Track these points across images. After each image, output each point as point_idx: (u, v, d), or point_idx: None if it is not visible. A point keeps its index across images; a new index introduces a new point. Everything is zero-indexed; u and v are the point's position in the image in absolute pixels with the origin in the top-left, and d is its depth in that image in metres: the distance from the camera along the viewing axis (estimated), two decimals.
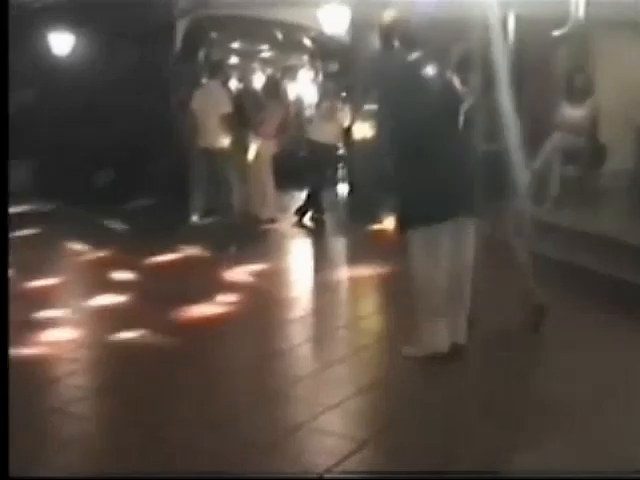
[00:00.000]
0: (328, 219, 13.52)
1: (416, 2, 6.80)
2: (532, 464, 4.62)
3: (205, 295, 8.41)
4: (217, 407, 5.52)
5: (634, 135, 12.35)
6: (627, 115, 11.93)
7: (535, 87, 10.95)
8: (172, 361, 6.48)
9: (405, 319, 6.76)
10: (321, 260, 11.52)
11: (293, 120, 16.22)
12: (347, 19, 14.30)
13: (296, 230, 13.10)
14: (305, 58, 21.38)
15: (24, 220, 12.66)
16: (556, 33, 12.71)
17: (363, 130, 13.78)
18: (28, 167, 14.64)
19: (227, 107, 13.06)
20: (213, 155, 13.04)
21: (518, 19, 12.39)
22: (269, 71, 21.27)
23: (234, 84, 17.93)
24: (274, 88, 14.76)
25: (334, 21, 14.46)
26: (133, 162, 15.01)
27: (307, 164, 13.97)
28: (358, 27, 13.59)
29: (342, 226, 13.51)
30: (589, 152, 11.32)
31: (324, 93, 14.62)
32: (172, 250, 10.75)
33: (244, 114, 13.47)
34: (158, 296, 8.35)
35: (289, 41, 19.30)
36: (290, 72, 22.03)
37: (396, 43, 6.44)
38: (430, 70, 6.32)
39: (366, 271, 9.65)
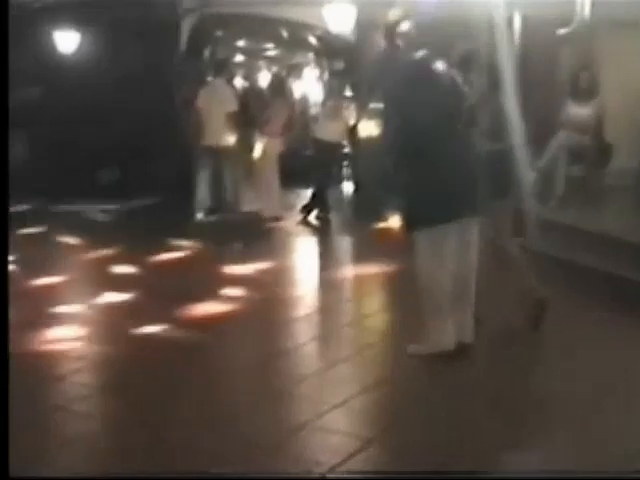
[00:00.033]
0: (333, 217, 13.52)
1: (421, 1, 6.80)
2: (533, 464, 4.63)
3: (210, 293, 8.42)
4: (221, 406, 5.52)
5: (639, 134, 12.32)
6: (632, 114, 11.92)
7: (540, 86, 10.95)
8: (177, 359, 6.48)
9: (410, 317, 6.76)
10: (326, 258, 11.53)
11: (298, 118, 16.21)
12: (352, 18, 14.30)
13: (301, 228, 13.10)
14: (310, 56, 21.40)
15: (28, 218, 12.69)
16: (561, 32, 12.69)
17: (368, 128, 13.78)
18: (32, 165, 14.63)
19: (233, 105, 13.08)
20: (218, 153, 13.07)
21: (524, 18, 12.39)
22: (274, 69, 21.32)
23: (239, 82, 17.97)
24: (279, 86, 14.78)
25: (339, 19, 14.45)
26: (138, 160, 15.02)
27: (312, 162, 13.97)
28: (363, 26, 13.59)
29: (347, 224, 13.52)
30: (595, 151, 11.31)
31: (329, 91, 14.64)
32: (177, 248, 10.77)
33: (249, 112, 13.48)
34: (163, 294, 8.35)
35: (294, 39, 19.31)
36: (295, 70, 22.05)
37: (401, 42, 6.44)
38: (435, 69, 6.33)
39: (371, 269, 9.66)
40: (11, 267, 9.17)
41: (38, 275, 9.11)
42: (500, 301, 7.30)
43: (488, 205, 6.54)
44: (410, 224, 6.41)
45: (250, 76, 21.26)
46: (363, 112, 13.76)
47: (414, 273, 6.39)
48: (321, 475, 4.46)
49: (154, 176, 14.81)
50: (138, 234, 11.79)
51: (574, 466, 4.50)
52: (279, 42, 20.82)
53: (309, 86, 21.36)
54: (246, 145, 13.49)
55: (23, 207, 13.54)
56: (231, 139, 13.09)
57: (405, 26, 6.45)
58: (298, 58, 22.32)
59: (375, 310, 8.64)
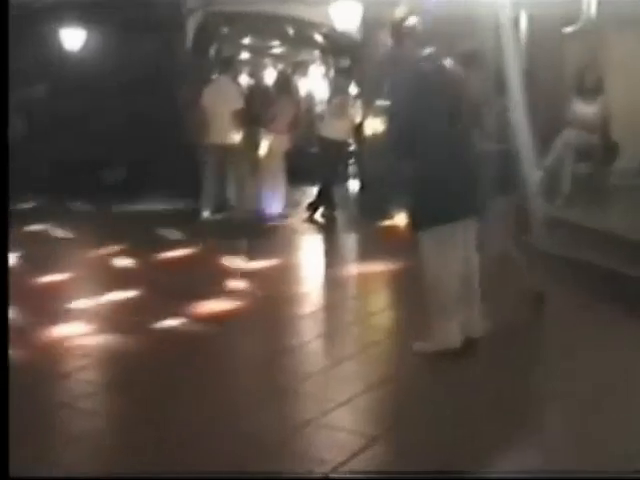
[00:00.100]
0: (339, 215, 13.53)
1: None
2: (533, 463, 4.63)
3: (215, 291, 8.42)
4: (226, 403, 5.52)
5: None
6: (638, 113, 11.89)
7: (546, 84, 10.94)
8: (182, 356, 6.48)
9: (416, 315, 6.76)
10: (332, 256, 11.53)
11: (304, 116, 16.20)
12: (358, 15, 14.29)
13: (307, 226, 13.11)
14: (316, 54, 21.41)
15: (33, 216, 12.71)
16: (567, 30, 12.68)
17: (374, 126, 13.77)
18: (38, 163, 14.65)
19: (238, 103, 13.08)
20: (224, 151, 13.06)
21: (530, 17, 12.38)
22: (280, 67, 21.30)
23: (245, 80, 17.96)
24: (285, 84, 14.77)
25: (345, 17, 14.45)
26: (143, 159, 15.02)
27: (318, 160, 13.97)
28: (369, 24, 13.58)
29: (353, 222, 13.51)
30: (601, 149, 11.30)
31: (335, 89, 14.62)
32: (183, 246, 10.77)
33: (255, 110, 13.47)
34: (168, 292, 8.35)
35: (300, 37, 19.31)
36: (301, 68, 22.05)
37: (407, 40, 6.45)
38: (440, 67, 6.32)
39: (377, 267, 9.66)
40: (16, 264, 9.20)
41: (43, 272, 9.11)
42: (500, 300, 7.29)
43: (491, 205, 6.56)
44: (416, 223, 6.41)
45: (256, 74, 21.22)
46: (369, 110, 13.77)
47: (419, 271, 6.40)
48: (324, 475, 4.44)
49: (159, 175, 14.80)
50: (143, 232, 11.80)
51: (574, 466, 4.49)
52: (285, 40, 20.81)
53: (315, 84, 21.36)
54: (252, 143, 13.48)
55: (28, 205, 13.56)
56: (237, 137, 13.08)
57: (411, 24, 6.45)
58: (304, 56, 22.32)
59: (380, 308, 8.64)
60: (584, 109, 11.22)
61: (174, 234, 11.59)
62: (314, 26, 17.34)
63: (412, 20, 6.45)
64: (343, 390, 5.75)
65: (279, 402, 5.58)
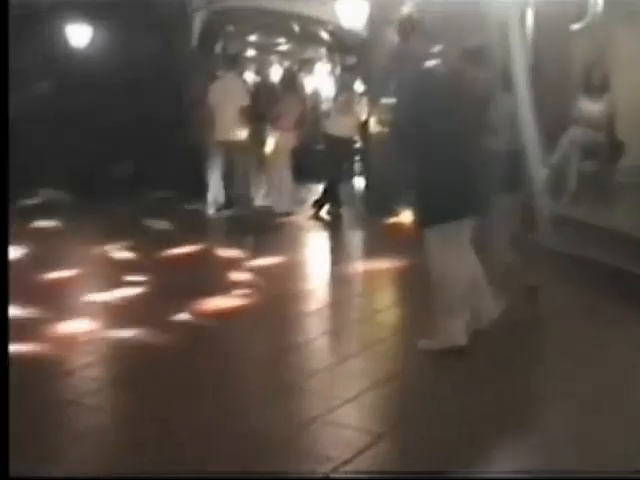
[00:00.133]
0: (345, 212, 13.54)
1: None
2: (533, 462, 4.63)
3: (221, 288, 8.43)
4: (232, 400, 5.53)
5: None
6: None
7: (553, 81, 10.93)
8: (188, 353, 6.49)
9: (421, 312, 6.77)
10: (337, 253, 11.54)
11: (310, 113, 16.21)
12: (365, 13, 14.27)
13: (313, 223, 13.11)
14: (322, 51, 21.40)
15: (41, 212, 12.71)
16: (574, 27, 12.67)
17: (380, 124, 13.76)
18: (45, 158, 14.65)
19: (244, 100, 13.07)
20: (230, 148, 13.06)
21: (536, 13, 12.35)
22: (286, 64, 21.33)
23: (251, 77, 17.98)
24: (291, 81, 14.78)
25: (352, 15, 14.42)
26: (151, 155, 15.01)
27: (324, 157, 13.98)
28: (375, 21, 13.57)
29: (359, 219, 13.52)
30: (606, 147, 11.29)
31: (341, 86, 14.63)
32: (188, 243, 10.78)
33: (261, 107, 13.48)
34: (174, 289, 8.34)
35: (306, 34, 19.32)
36: (307, 65, 22.06)
37: (413, 37, 6.45)
38: (446, 65, 6.32)
39: (382, 264, 9.65)
40: (22, 260, 9.22)
41: (49, 269, 9.11)
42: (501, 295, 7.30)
43: (497, 202, 6.57)
44: (422, 220, 6.41)
45: (262, 71, 21.28)
46: (375, 107, 13.75)
47: (425, 269, 6.40)
48: (325, 475, 4.44)
49: (166, 171, 14.79)
50: (150, 229, 11.81)
51: (574, 466, 4.49)
52: (291, 37, 20.82)
53: (321, 81, 21.36)
54: (258, 140, 13.50)
55: (36, 200, 13.57)
56: (243, 134, 13.08)
57: (417, 21, 6.46)
58: (310, 53, 22.32)
59: (386, 305, 8.64)
60: (590, 107, 11.21)
61: (180, 231, 11.60)
62: (320, 23, 17.34)
63: (418, 17, 6.46)
64: (349, 387, 5.75)
65: (285, 399, 5.58)
